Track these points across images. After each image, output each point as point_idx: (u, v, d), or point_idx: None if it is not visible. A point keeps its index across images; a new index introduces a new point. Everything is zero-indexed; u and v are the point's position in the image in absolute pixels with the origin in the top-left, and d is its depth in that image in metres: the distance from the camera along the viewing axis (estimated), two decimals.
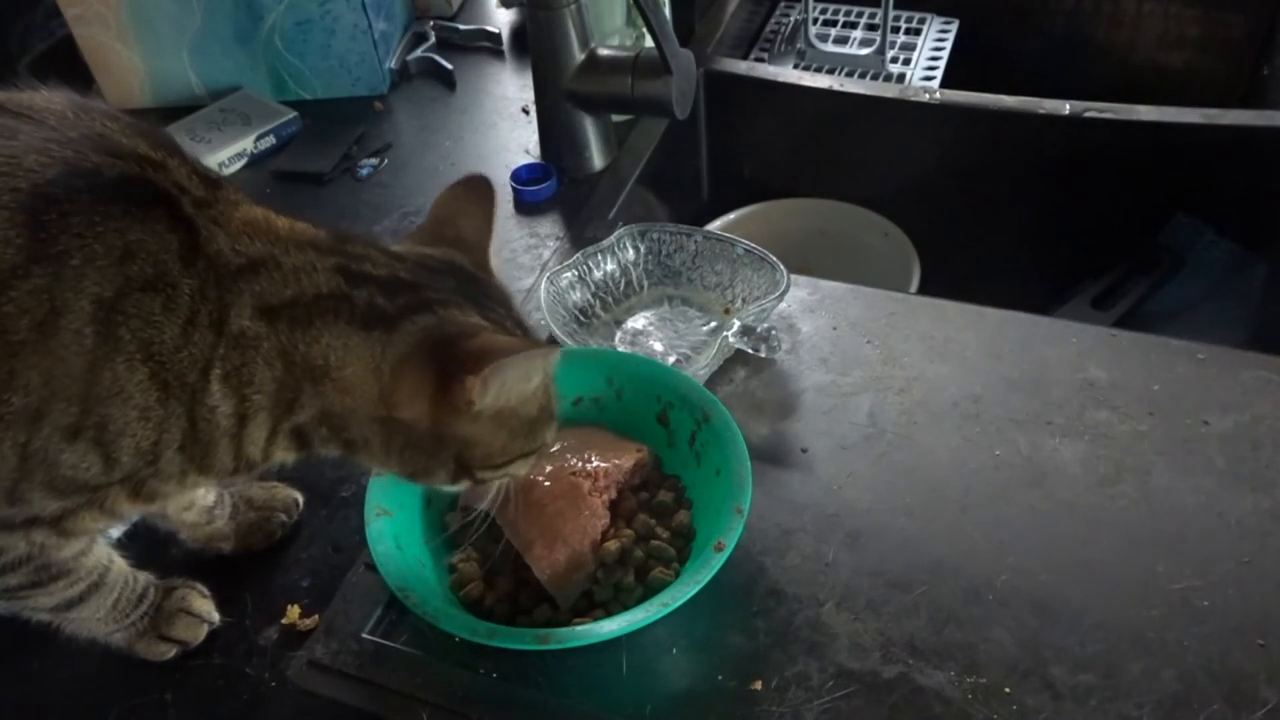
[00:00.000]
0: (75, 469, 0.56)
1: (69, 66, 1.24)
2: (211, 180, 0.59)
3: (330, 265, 0.58)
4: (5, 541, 0.60)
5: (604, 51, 1.09)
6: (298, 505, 0.81)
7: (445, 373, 0.57)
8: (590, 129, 1.13)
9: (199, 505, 0.75)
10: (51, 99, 0.57)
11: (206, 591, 0.74)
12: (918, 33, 1.46)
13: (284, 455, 0.61)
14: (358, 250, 0.60)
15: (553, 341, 0.62)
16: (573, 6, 1.04)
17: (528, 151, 1.18)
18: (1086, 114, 1.16)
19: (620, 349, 0.92)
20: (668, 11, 1.20)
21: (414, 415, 0.58)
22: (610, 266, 0.97)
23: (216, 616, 0.73)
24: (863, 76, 1.37)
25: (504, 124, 1.23)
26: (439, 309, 0.59)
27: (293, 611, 0.74)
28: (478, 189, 0.68)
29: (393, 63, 1.31)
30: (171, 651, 0.72)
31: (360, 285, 0.58)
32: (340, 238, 0.61)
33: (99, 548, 0.68)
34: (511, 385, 0.59)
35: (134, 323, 0.53)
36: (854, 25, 1.48)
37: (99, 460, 0.56)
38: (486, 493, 0.69)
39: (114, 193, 0.54)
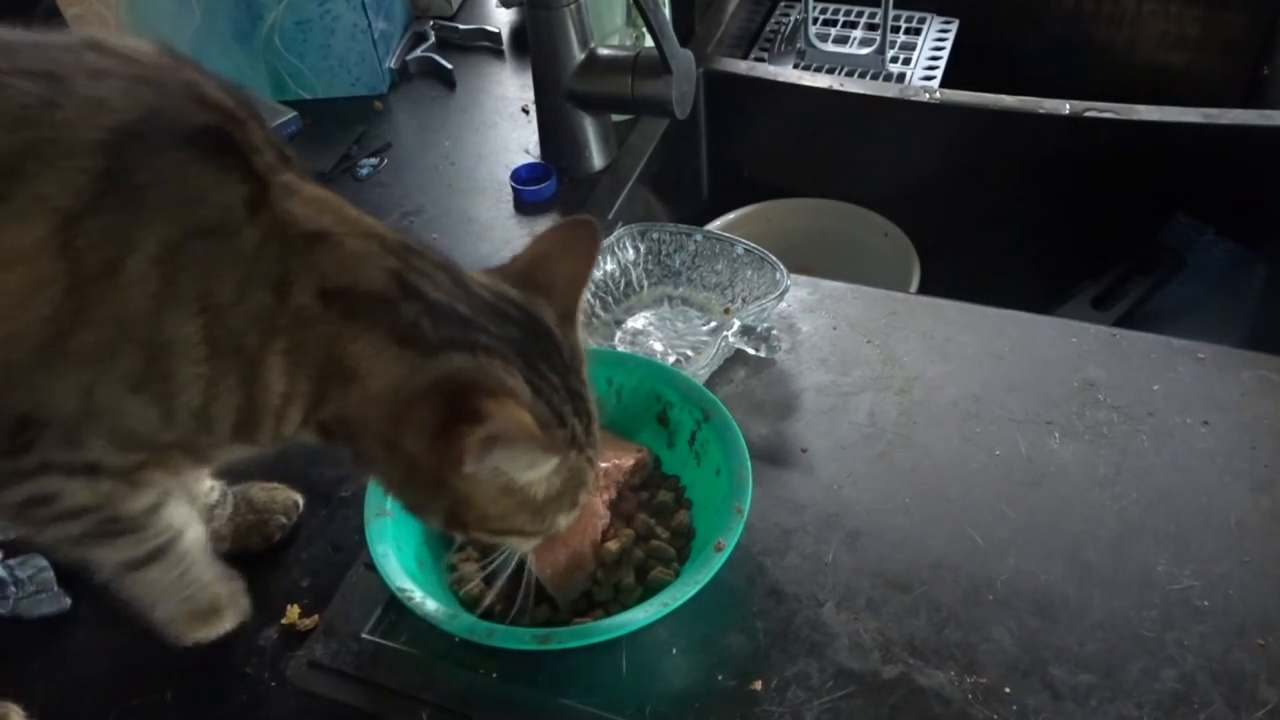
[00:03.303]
0: (136, 420, 0.55)
1: None
2: (285, 155, 0.58)
3: (388, 267, 0.57)
4: (63, 485, 0.59)
5: (604, 51, 1.09)
6: (297, 507, 0.80)
7: (449, 420, 0.54)
8: (590, 129, 1.13)
9: (201, 502, 0.75)
10: (143, 45, 0.57)
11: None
12: (918, 32, 1.46)
13: (309, 439, 0.60)
14: (423, 266, 0.58)
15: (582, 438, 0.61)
16: (573, 6, 1.04)
17: (528, 151, 1.18)
18: (1086, 114, 1.15)
19: (620, 349, 0.92)
20: (668, 11, 1.21)
21: (415, 450, 0.57)
22: (610, 266, 0.97)
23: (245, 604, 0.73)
24: (863, 76, 1.37)
25: (504, 124, 1.23)
26: (481, 355, 0.56)
27: (293, 611, 0.74)
28: (583, 233, 0.65)
29: (392, 62, 1.31)
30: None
31: (412, 299, 0.56)
32: (408, 247, 0.59)
33: (173, 509, 0.66)
34: (508, 464, 0.57)
35: (194, 268, 0.53)
36: (854, 25, 1.48)
37: (157, 415, 0.55)
38: (494, 548, 0.67)
39: (194, 138, 0.53)
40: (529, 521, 0.62)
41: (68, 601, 0.76)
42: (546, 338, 0.61)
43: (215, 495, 0.76)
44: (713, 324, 0.93)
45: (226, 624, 0.72)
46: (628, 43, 1.22)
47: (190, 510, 0.68)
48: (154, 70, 0.56)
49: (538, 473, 0.59)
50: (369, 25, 1.23)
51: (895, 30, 1.44)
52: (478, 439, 0.53)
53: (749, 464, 0.72)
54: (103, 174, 0.51)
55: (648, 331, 0.94)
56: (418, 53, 1.33)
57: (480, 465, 0.55)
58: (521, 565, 0.72)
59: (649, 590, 0.70)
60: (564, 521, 0.64)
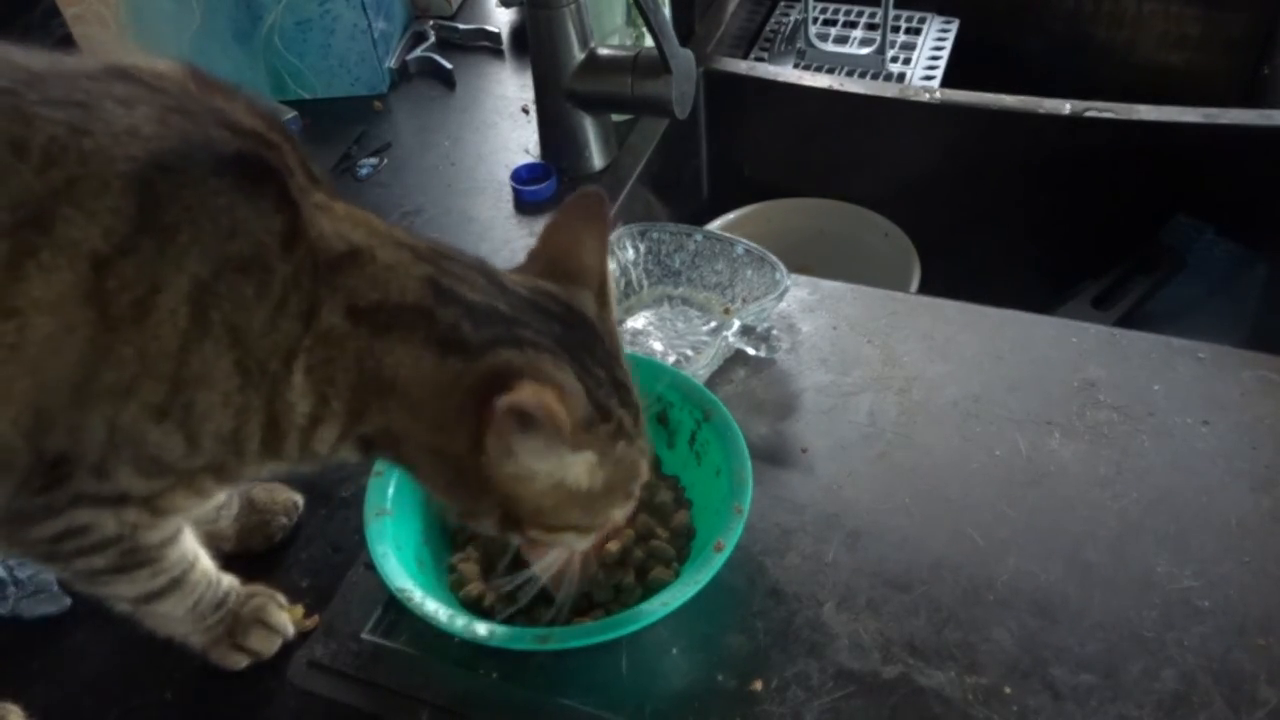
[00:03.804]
0: (160, 448, 0.55)
1: None
2: (313, 174, 0.58)
3: (422, 274, 0.56)
4: (94, 518, 0.58)
5: (604, 51, 1.09)
6: (297, 507, 0.80)
7: (487, 408, 0.53)
8: (590, 129, 1.13)
9: (210, 503, 0.75)
10: (173, 70, 0.56)
11: (285, 601, 0.73)
12: (918, 32, 1.46)
13: (350, 455, 0.60)
14: (457, 269, 0.58)
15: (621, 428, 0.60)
16: (573, 6, 1.04)
17: (528, 151, 1.18)
18: (1086, 114, 1.16)
19: None
20: (668, 11, 1.20)
21: (457, 447, 0.56)
22: (610, 266, 0.96)
23: (291, 630, 0.72)
24: (863, 76, 1.37)
25: (504, 124, 1.23)
26: (529, 350, 0.56)
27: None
28: (591, 204, 0.64)
29: (392, 62, 1.31)
30: (245, 662, 0.70)
31: (449, 304, 0.56)
32: (439, 252, 0.58)
33: (186, 541, 0.66)
34: (534, 457, 0.55)
35: (225, 305, 0.52)
36: (854, 25, 1.48)
37: (182, 443, 0.55)
38: (543, 553, 0.66)
39: (226, 166, 0.53)
40: (582, 516, 0.61)
41: (68, 601, 0.76)
42: (588, 329, 0.60)
43: (222, 496, 0.76)
44: (713, 324, 0.93)
45: (258, 646, 0.71)
46: (628, 43, 1.22)
47: (196, 544, 0.68)
48: (183, 99, 0.55)
49: (568, 467, 0.57)
50: (369, 25, 1.23)
51: (895, 30, 1.44)
52: (503, 408, 0.51)
53: (749, 464, 0.72)
54: (134, 211, 0.51)
55: (648, 331, 0.94)
56: (418, 52, 1.33)
57: (503, 446, 0.54)
58: (521, 565, 0.72)
59: (649, 590, 0.70)
60: (619, 515, 0.63)
